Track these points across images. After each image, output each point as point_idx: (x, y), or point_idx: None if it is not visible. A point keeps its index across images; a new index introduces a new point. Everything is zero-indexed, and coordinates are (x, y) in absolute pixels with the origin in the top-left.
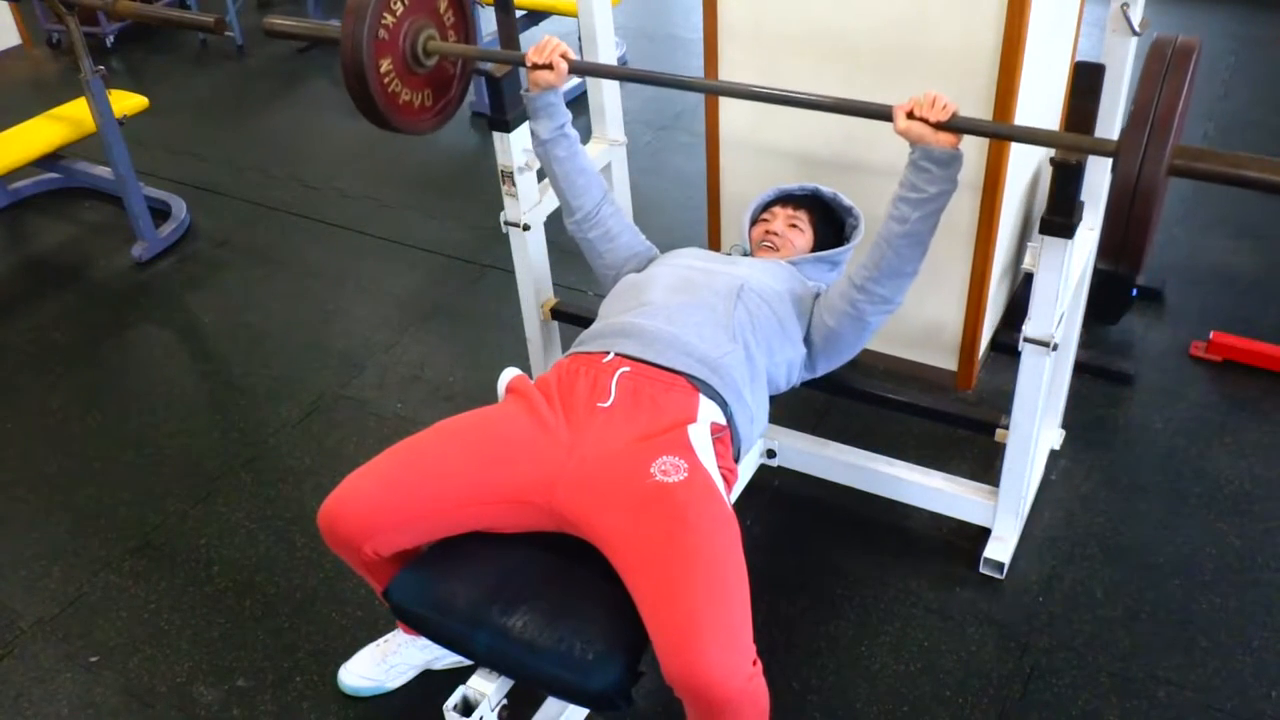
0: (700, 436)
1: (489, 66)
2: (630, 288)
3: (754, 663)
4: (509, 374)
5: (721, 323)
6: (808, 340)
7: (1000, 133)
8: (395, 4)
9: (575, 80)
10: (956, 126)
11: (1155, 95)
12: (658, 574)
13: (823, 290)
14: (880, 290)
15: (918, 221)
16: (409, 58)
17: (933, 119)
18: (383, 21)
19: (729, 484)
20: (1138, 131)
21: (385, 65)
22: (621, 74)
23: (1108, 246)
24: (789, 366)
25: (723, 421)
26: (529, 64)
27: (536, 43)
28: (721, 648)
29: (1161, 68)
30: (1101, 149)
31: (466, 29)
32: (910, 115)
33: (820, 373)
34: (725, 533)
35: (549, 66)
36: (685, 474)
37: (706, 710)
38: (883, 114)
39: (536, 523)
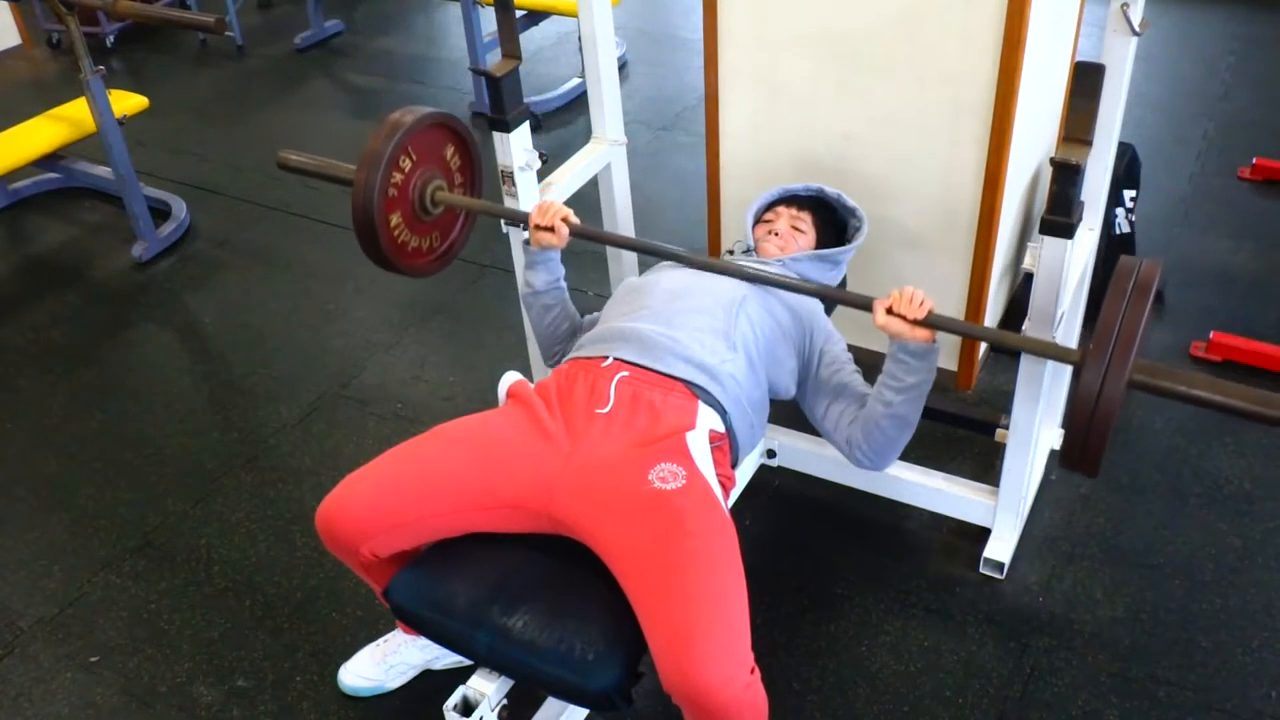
0: (699, 444)
1: (489, 65)
2: (631, 292)
3: (751, 670)
4: (509, 378)
5: (722, 330)
6: (804, 397)
7: (971, 333)
8: (405, 160)
9: (575, 80)
10: (932, 324)
11: (1118, 320)
12: (655, 581)
13: (821, 322)
14: (869, 463)
15: (900, 405)
16: (417, 208)
17: (909, 316)
18: (392, 180)
19: (727, 491)
20: (1101, 351)
21: (395, 219)
22: (620, 242)
23: (1068, 453)
24: (790, 376)
25: (721, 429)
26: (532, 225)
27: (538, 204)
28: (719, 655)
29: (1125, 292)
30: (1067, 358)
31: (473, 173)
32: (889, 311)
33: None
34: (723, 540)
35: (551, 229)
36: (683, 481)
37: (704, 718)
38: (864, 306)
39: (535, 528)
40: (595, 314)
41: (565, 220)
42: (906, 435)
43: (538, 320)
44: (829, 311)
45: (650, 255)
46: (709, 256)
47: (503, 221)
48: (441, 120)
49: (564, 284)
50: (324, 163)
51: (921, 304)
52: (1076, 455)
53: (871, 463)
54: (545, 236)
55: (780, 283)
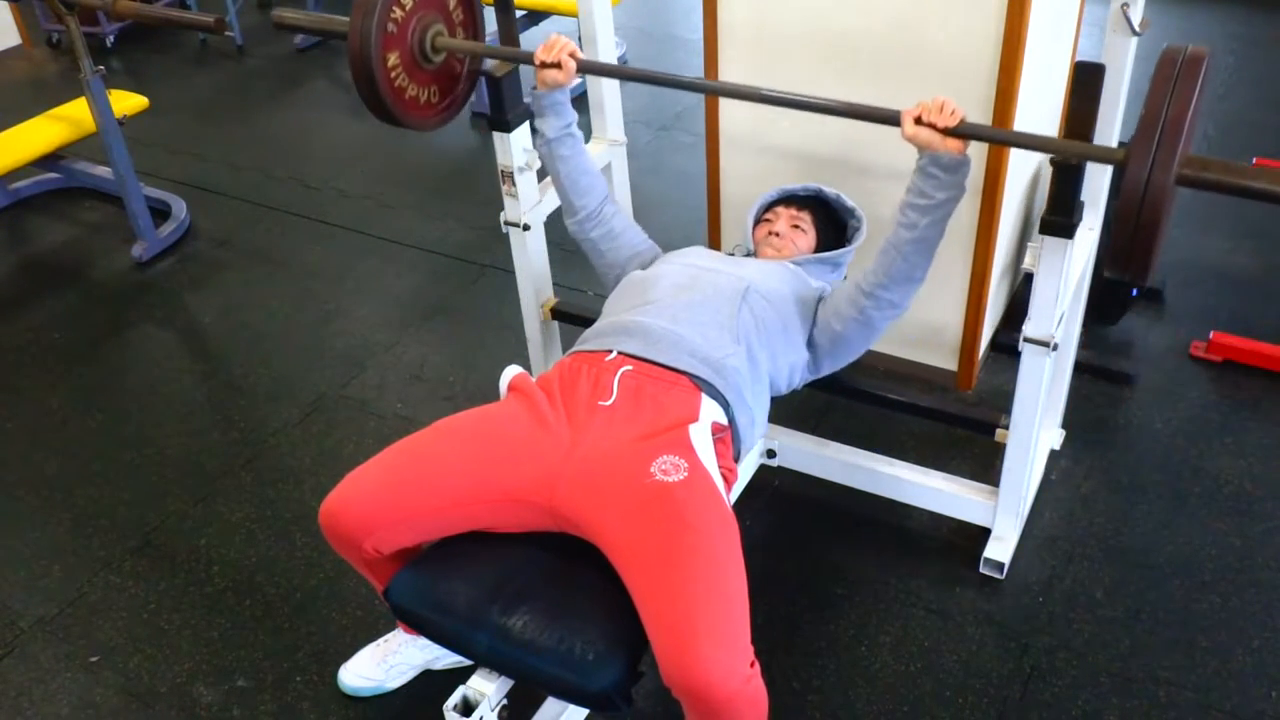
0: (701, 436)
1: (489, 66)
2: (634, 286)
3: (752, 664)
4: (511, 372)
5: (725, 323)
6: (813, 343)
7: (1007, 139)
8: None
9: (577, 79)
10: (964, 133)
11: (1165, 103)
12: (656, 574)
13: (826, 293)
14: (888, 296)
15: (926, 227)
16: (417, 53)
17: (940, 124)
18: (391, 15)
19: (729, 484)
20: (1146, 140)
21: (393, 60)
22: (627, 74)
23: (1115, 255)
24: (791, 369)
25: (724, 422)
26: (537, 62)
27: (544, 40)
28: (719, 649)
29: (1171, 75)
30: (1109, 157)
31: (475, 26)
32: (918, 121)
33: (824, 373)
34: (725, 533)
35: (557, 65)
36: (685, 473)
37: (704, 712)
38: (891, 119)
39: (537, 521)
40: (628, 220)
41: (572, 54)
42: (926, 265)
43: (555, 175)
44: None
45: (662, 85)
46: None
47: (503, 221)
48: None
49: (576, 131)
50: (319, 18)
51: (953, 112)
52: (1125, 257)
53: (892, 294)
54: (552, 74)
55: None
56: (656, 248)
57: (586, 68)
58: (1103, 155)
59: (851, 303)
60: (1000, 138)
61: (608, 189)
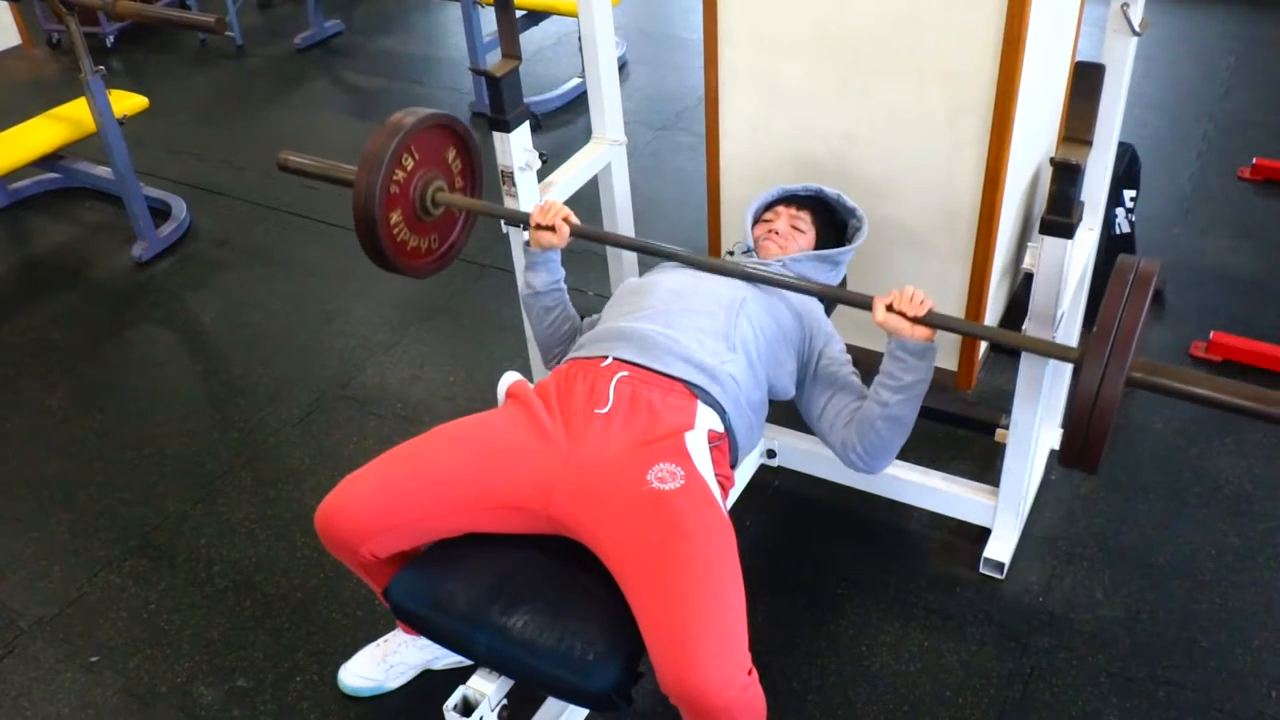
0: (698, 444)
1: (489, 65)
2: (631, 293)
3: (749, 672)
4: (509, 378)
5: (722, 331)
6: (802, 399)
7: (970, 331)
8: (407, 159)
9: (575, 80)
10: (932, 322)
11: (1117, 316)
12: (653, 582)
13: (821, 325)
14: (864, 464)
15: (897, 406)
16: (418, 208)
17: (910, 313)
18: (394, 179)
19: (725, 491)
20: (1099, 348)
21: (395, 218)
22: (620, 242)
23: (1068, 451)
24: (789, 378)
25: (721, 429)
26: (533, 224)
27: (539, 204)
28: (716, 657)
29: (1124, 289)
30: (1066, 356)
31: (473, 175)
32: (889, 308)
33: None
34: (721, 541)
35: (551, 229)
36: (682, 481)
37: (701, 719)
38: (864, 304)
39: (534, 528)
40: (595, 316)
41: (566, 220)
42: (901, 438)
43: (538, 322)
44: (829, 312)
45: (651, 255)
46: (709, 257)
47: (503, 222)
48: (443, 121)
49: (564, 285)
50: (325, 164)
51: (921, 302)
52: (1076, 453)
53: (866, 465)
54: (546, 236)
55: (780, 282)
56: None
57: (580, 233)
58: (1060, 354)
59: (838, 446)
60: (965, 329)
61: (577, 320)
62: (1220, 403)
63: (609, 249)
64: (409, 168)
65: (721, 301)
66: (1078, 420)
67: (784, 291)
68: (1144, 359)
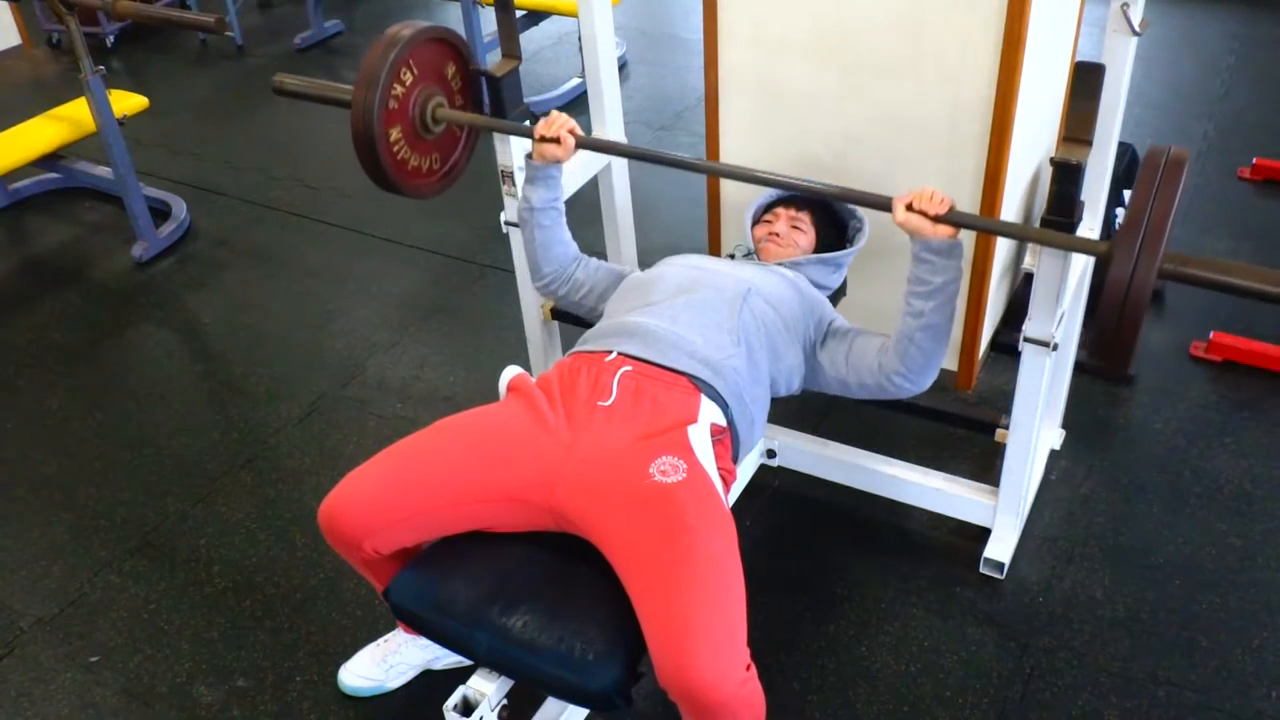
0: (700, 437)
1: (489, 66)
2: (635, 287)
3: (748, 667)
4: (510, 372)
5: (725, 325)
6: (820, 372)
7: (993, 228)
8: (405, 74)
9: (575, 80)
10: (953, 220)
11: (1149, 204)
12: (653, 574)
13: (830, 316)
14: (907, 384)
15: (932, 313)
16: (418, 125)
17: (930, 211)
18: (393, 92)
19: (728, 485)
20: (1131, 238)
21: (395, 134)
22: (627, 151)
23: (1098, 346)
24: (791, 372)
25: (723, 423)
26: (537, 136)
27: (545, 117)
28: (714, 651)
29: (1155, 178)
30: (1094, 251)
31: (474, 94)
32: (909, 208)
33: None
34: (722, 534)
35: (556, 141)
36: (684, 474)
37: (700, 715)
38: (883, 205)
39: (536, 521)
40: (598, 261)
41: (571, 132)
42: (942, 348)
43: (529, 240)
44: (836, 301)
45: (659, 164)
46: (711, 162)
47: (503, 221)
48: (440, 35)
49: (562, 206)
50: (321, 84)
51: (942, 201)
52: (1106, 351)
53: (912, 383)
54: (550, 149)
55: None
56: (635, 270)
57: (586, 144)
58: (1087, 248)
59: (871, 376)
60: (986, 226)
61: (578, 253)
62: (1257, 291)
63: (609, 246)
64: (408, 83)
65: (725, 295)
66: (1108, 316)
67: (788, 284)
68: (1174, 251)
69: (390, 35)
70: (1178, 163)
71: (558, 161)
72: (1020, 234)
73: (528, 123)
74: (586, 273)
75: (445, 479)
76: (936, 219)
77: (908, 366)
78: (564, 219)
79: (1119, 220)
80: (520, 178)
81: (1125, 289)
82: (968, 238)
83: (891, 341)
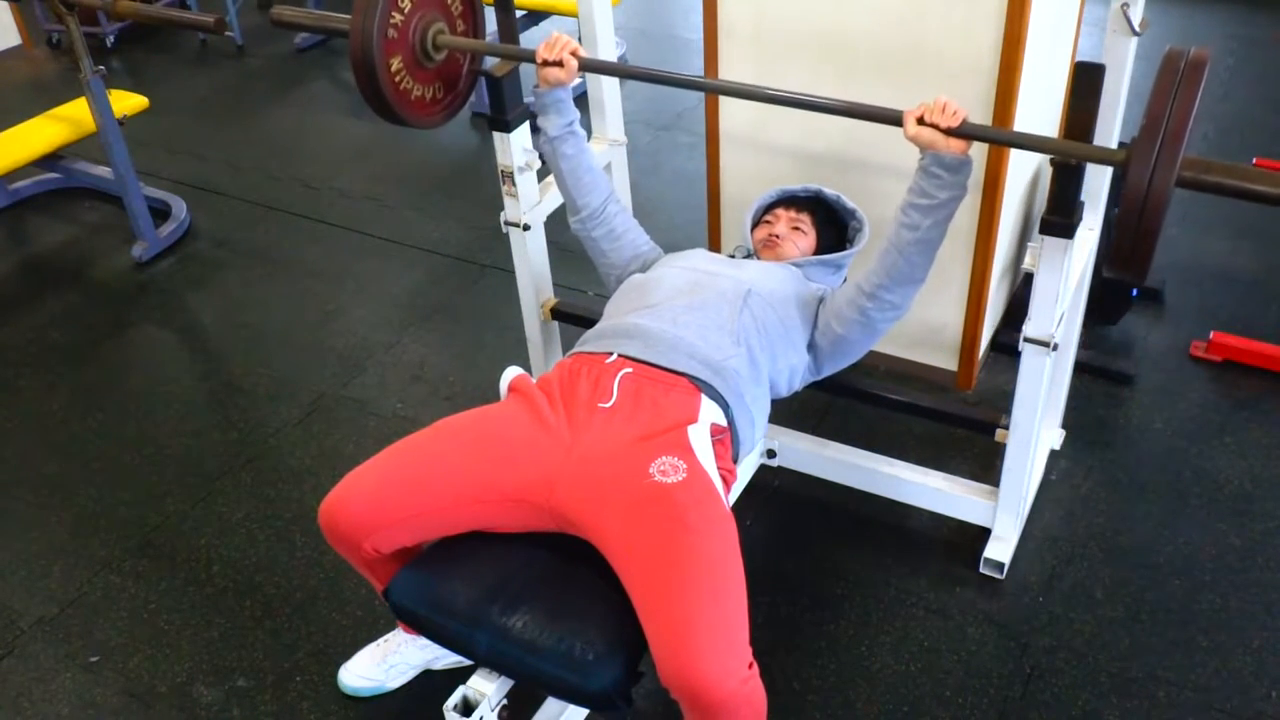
0: (700, 437)
1: (489, 66)
2: (635, 289)
3: (750, 665)
4: (511, 373)
5: (726, 325)
6: (814, 345)
7: (1010, 140)
8: (404, 0)
9: (579, 79)
10: (967, 133)
11: (1168, 106)
12: (654, 575)
13: (827, 295)
14: (889, 297)
15: (929, 228)
16: (419, 53)
17: (943, 125)
18: (391, 20)
19: (728, 485)
20: (1149, 142)
21: (396, 64)
22: (628, 72)
23: (1116, 255)
24: (791, 371)
25: (723, 423)
26: (539, 60)
27: (546, 39)
28: (716, 650)
29: (1174, 80)
30: (1111, 159)
31: (475, 19)
32: (920, 121)
33: (825, 375)
34: (723, 534)
35: (559, 63)
36: (684, 475)
37: (702, 713)
38: (893, 119)
39: (536, 522)
40: (628, 217)
41: (574, 54)
42: (927, 266)
43: (557, 174)
44: None
45: (665, 84)
46: (717, 79)
47: (503, 221)
48: None
49: (578, 129)
50: (318, 14)
51: (955, 113)
52: (1126, 257)
53: (894, 295)
54: (553, 73)
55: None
56: (659, 249)
57: (588, 65)
58: (1104, 156)
59: (852, 304)
60: (1002, 138)
61: (612, 188)
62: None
63: None
64: (406, 9)
65: (725, 296)
66: (1126, 222)
67: (789, 282)
68: (1195, 157)
69: None
70: (1197, 64)
71: (561, 84)
72: (1034, 144)
73: (534, 88)
74: (623, 222)
75: (445, 479)
76: (949, 132)
77: (891, 278)
78: (586, 143)
79: None
80: (520, 178)
81: (1144, 195)
82: (969, 237)
83: (875, 255)
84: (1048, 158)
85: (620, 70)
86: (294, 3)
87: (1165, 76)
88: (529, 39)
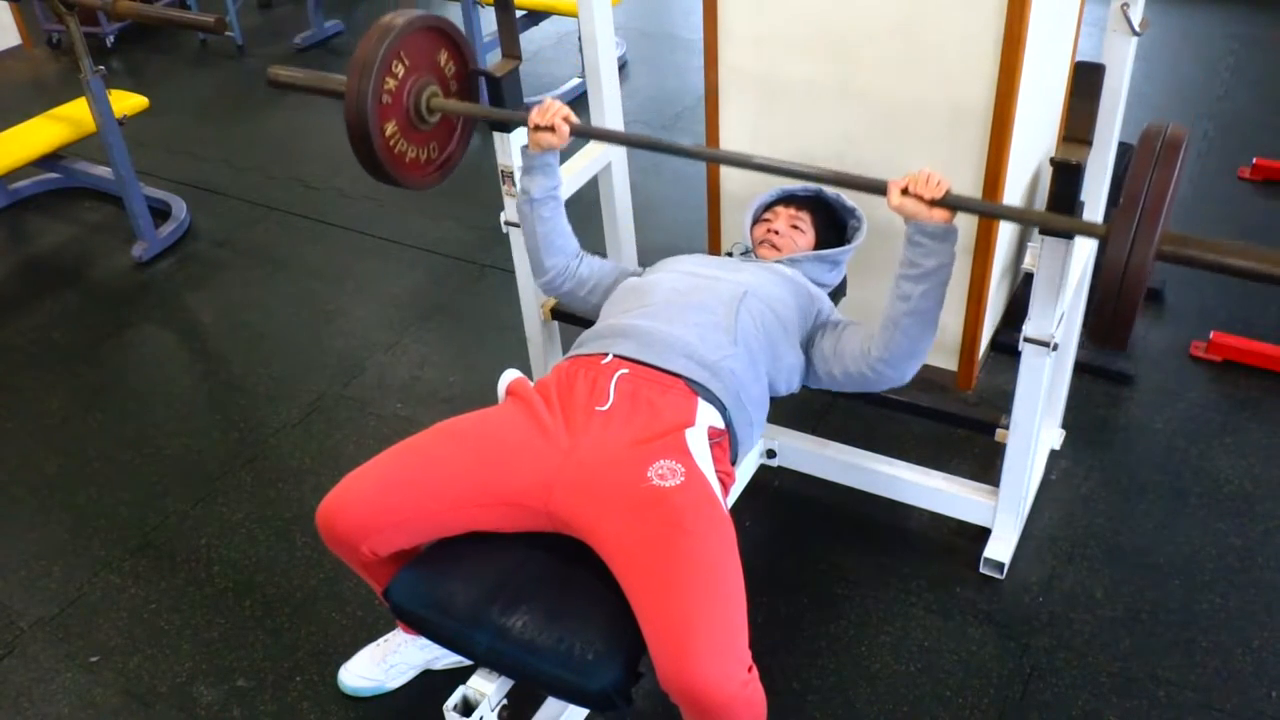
0: (698, 440)
1: (489, 66)
2: (631, 291)
3: (749, 669)
4: (509, 376)
5: (722, 326)
6: (811, 365)
7: (991, 211)
8: (397, 65)
9: (575, 80)
10: (950, 204)
11: (1145, 184)
12: (653, 579)
13: (828, 312)
14: (890, 372)
15: (920, 298)
16: (413, 116)
17: (927, 196)
18: (386, 86)
19: (726, 488)
20: (1128, 218)
21: (390, 128)
22: (621, 139)
23: (1096, 329)
24: (789, 372)
25: (721, 426)
26: (531, 125)
27: (539, 105)
28: (716, 654)
29: (1151, 158)
30: (1092, 232)
31: (469, 81)
32: (904, 192)
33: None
34: (721, 538)
35: (551, 129)
36: (682, 478)
37: (701, 716)
38: (878, 188)
39: (534, 525)
40: (600, 259)
41: (566, 119)
42: (928, 337)
43: (530, 233)
44: (836, 301)
45: (655, 151)
46: (712, 148)
47: (503, 221)
48: (432, 23)
49: (560, 195)
50: (315, 75)
51: (939, 184)
52: (1105, 330)
53: (894, 371)
54: (545, 137)
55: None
56: (637, 269)
57: (580, 131)
58: (1086, 229)
59: (855, 363)
60: (984, 209)
61: (579, 247)
62: (1257, 273)
63: (608, 245)
64: (400, 74)
65: (721, 297)
66: (1106, 296)
67: (786, 284)
68: (1173, 231)
69: (383, 25)
70: (1175, 140)
71: (553, 149)
72: (1018, 216)
73: (523, 148)
74: (590, 268)
75: (443, 483)
76: (933, 203)
77: (891, 353)
78: (563, 210)
79: None
80: (519, 175)
81: (1122, 269)
82: (969, 237)
83: (877, 327)
84: (1047, 158)
85: (612, 136)
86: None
87: (1143, 154)
88: (529, 39)
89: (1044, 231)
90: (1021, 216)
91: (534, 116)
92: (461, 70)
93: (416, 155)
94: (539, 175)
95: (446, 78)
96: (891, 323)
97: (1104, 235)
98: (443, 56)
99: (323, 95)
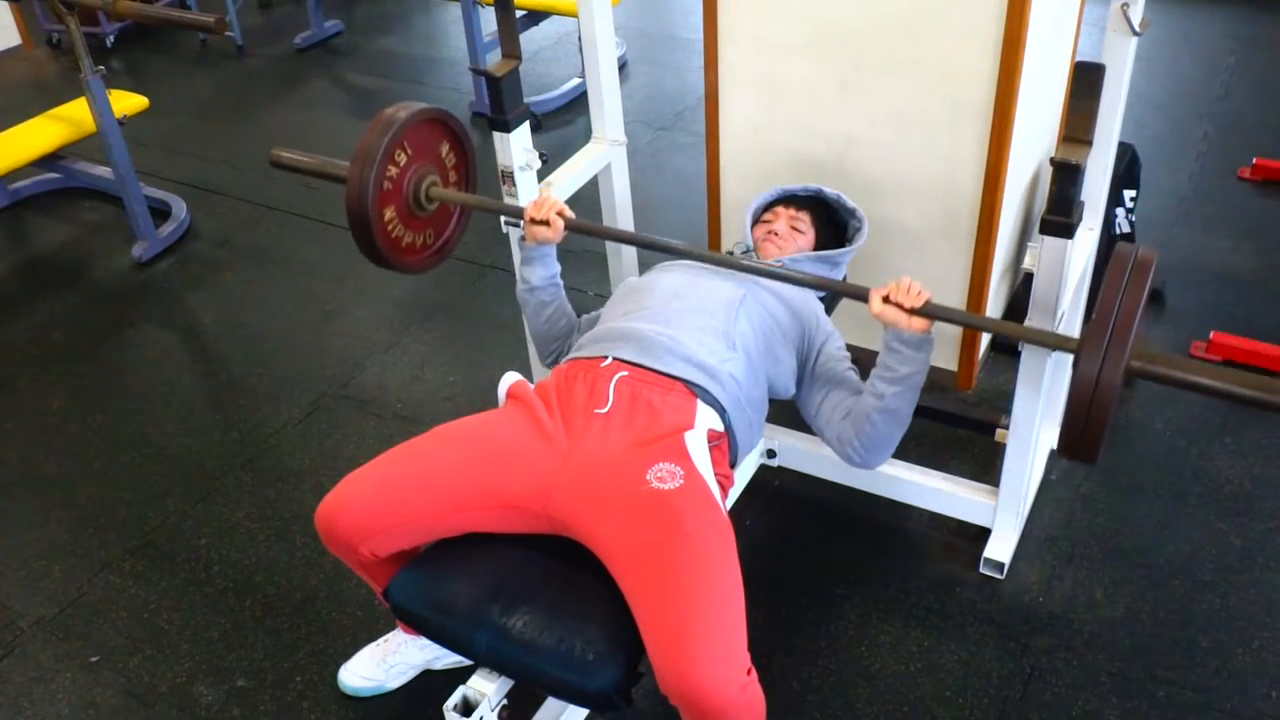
0: (697, 443)
1: (489, 66)
2: (630, 293)
3: (748, 672)
4: (509, 379)
5: (721, 329)
6: (799, 401)
7: (968, 322)
8: (400, 155)
9: (575, 80)
10: (929, 313)
11: (1116, 303)
12: (652, 582)
13: (827, 327)
14: (860, 458)
15: (893, 398)
16: (411, 204)
17: (907, 304)
18: (387, 175)
19: (725, 491)
20: (1098, 336)
21: (389, 214)
22: (614, 235)
23: (1066, 442)
24: (788, 375)
25: (720, 428)
26: (526, 219)
27: (534, 199)
28: (715, 657)
29: (1122, 278)
30: (1064, 346)
31: (467, 169)
32: (885, 299)
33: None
34: (720, 541)
35: (546, 223)
36: (681, 481)
37: (701, 719)
38: (860, 295)
39: (534, 527)
40: (593, 313)
41: (560, 214)
42: (898, 433)
43: (534, 317)
44: (829, 310)
45: (647, 249)
46: (708, 250)
47: (503, 221)
48: (436, 116)
49: (560, 281)
50: (318, 160)
51: (919, 294)
52: (1075, 444)
53: (862, 459)
54: (541, 231)
55: (776, 274)
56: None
57: (575, 226)
58: (1058, 344)
59: (831, 435)
60: (963, 320)
61: (574, 317)
62: (1222, 391)
63: (609, 248)
64: (402, 163)
65: (721, 300)
66: (1077, 410)
67: (783, 289)
68: (1143, 349)
69: (386, 117)
70: (1144, 264)
71: (548, 243)
72: (993, 328)
73: (520, 240)
74: (588, 324)
75: (443, 486)
76: (912, 312)
77: (861, 443)
78: (564, 293)
79: (1118, 221)
80: (520, 178)
81: (1093, 386)
82: (969, 237)
83: (852, 414)
84: (1047, 158)
85: (605, 233)
86: (294, 14)
87: (1114, 274)
88: (529, 39)
89: (1056, 164)
90: (997, 328)
91: (529, 211)
92: (461, 161)
93: (413, 240)
94: (538, 265)
95: (446, 167)
96: (864, 416)
97: (1077, 350)
98: (444, 147)
99: (325, 179)
